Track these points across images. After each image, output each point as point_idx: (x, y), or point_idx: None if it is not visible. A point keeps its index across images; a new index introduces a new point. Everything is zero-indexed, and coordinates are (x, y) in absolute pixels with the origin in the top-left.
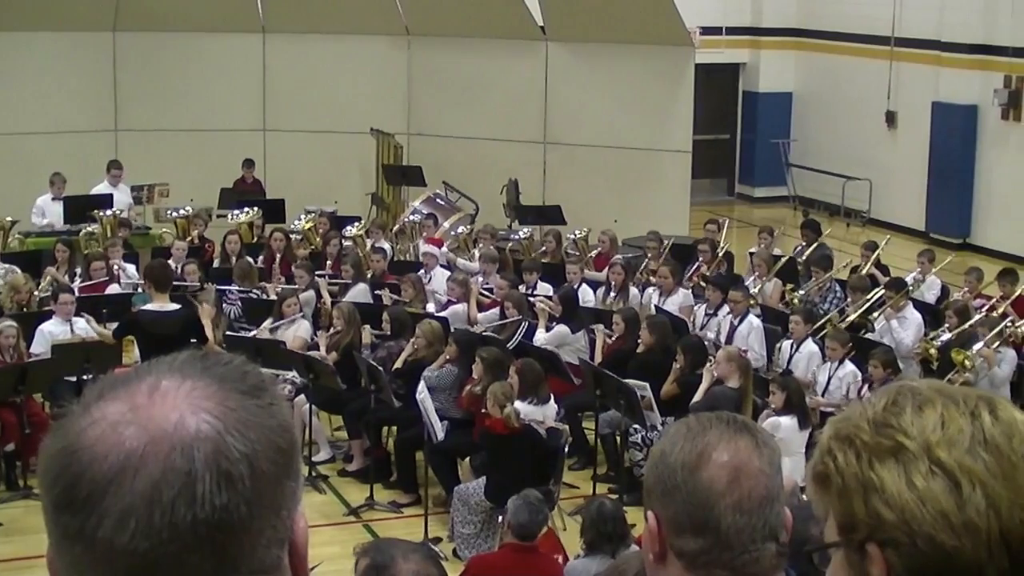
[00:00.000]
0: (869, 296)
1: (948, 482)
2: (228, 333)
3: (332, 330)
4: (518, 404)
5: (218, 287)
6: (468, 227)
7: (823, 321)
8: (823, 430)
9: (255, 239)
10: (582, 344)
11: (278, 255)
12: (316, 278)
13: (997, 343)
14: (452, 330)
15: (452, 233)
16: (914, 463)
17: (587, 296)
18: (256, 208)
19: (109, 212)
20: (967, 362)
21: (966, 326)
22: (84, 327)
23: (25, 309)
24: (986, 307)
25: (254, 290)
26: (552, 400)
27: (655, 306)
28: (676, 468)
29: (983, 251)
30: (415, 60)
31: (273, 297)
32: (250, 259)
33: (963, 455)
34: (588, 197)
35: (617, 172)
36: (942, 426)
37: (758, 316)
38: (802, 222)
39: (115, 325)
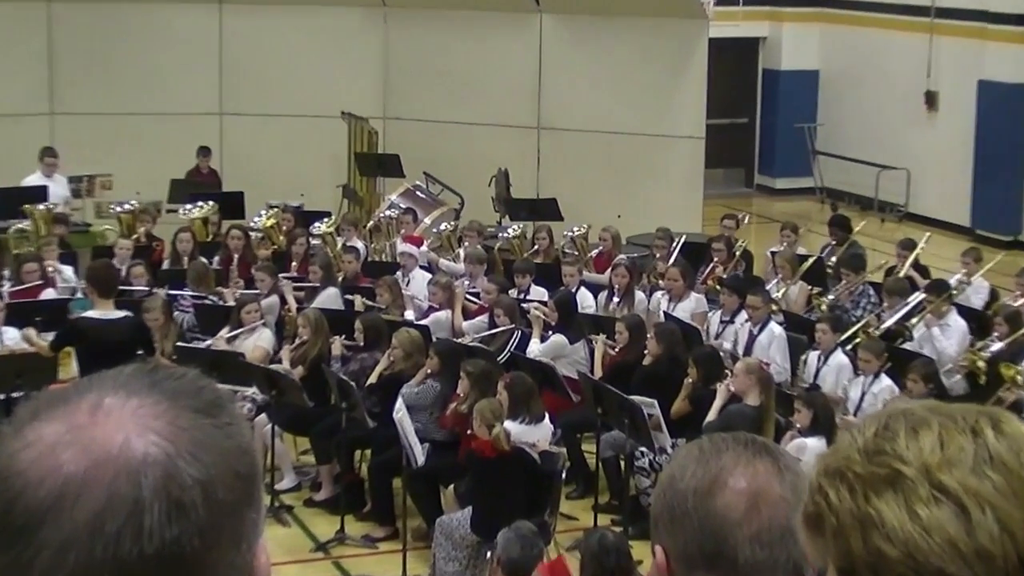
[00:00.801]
0: (907, 301)
1: (954, 507)
2: (180, 344)
3: (298, 340)
4: (508, 424)
5: (168, 292)
6: (452, 223)
7: (855, 329)
8: (811, 466)
9: (210, 237)
10: (581, 356)
11: (236, 256)
12: (280, 282)
13: None
14: (434, 340)
15: (434, 230)
16: (914, 491)
17: (587, 301)
18: (211, 202)
19: (43, 206)
20: (1019, 378)
21: (1018, 335)
22: (15, 337)
23: None
24: None
25: (209, 295)
26: (547, 419)
27: (664, 312)
28: (687, 495)
29: None
30: (392, 35)
31: (231, 303)
32: (205, 260)
33: (967, 476)
34: (587, 189)
35: (620, 161)
36: (941, 447)
37: (780, 324)
38: (830, 217)
39: (52, 335)
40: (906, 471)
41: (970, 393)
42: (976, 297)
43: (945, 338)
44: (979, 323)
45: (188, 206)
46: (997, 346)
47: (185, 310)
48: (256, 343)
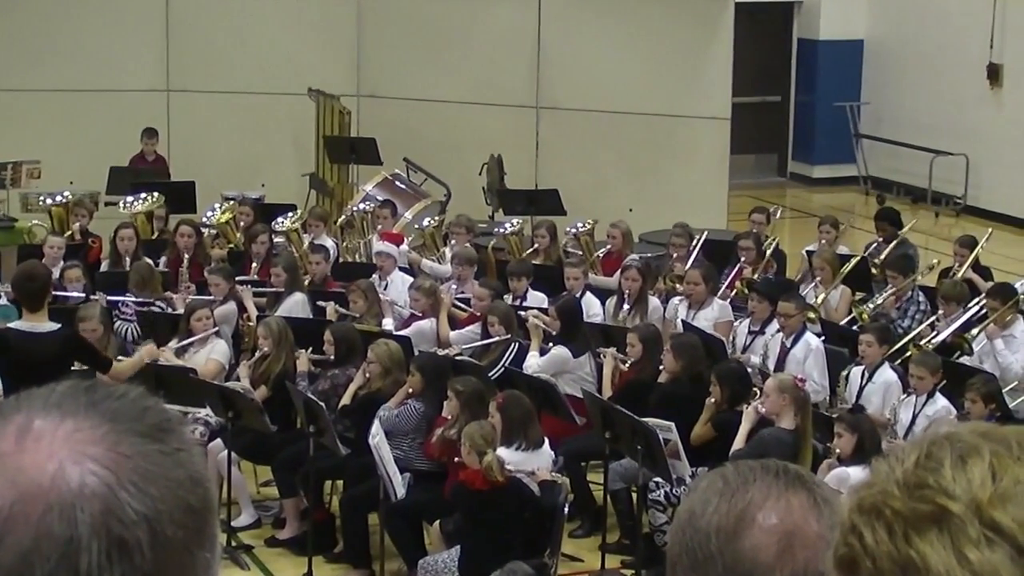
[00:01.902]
0: (965, 308)
1: (1009, 549)
2: (121, 358)
3: (258, 354)
4: (502, 451)
5: (108, 297)
6: (437, 218)
7: (905, 342)
8: (843, 501)
9: (156, 234)
10: (587, 371)
11: (187, 256)
12: (237, 286)
13: None
14: (416, 354)
15: (416, 226)
16: (963, 530)
17: (593, 309)
18: (157, 194)
19: None
20: None
21: None
22: None
23: None
24: None
25: (156, 301)
26: (547, 445)
27: (682, 321)
28: (710, 535)
29: None
30: (367, 1)
31: (180, 311)
32: (149, 261)
33: None
34: (594, 179)
35: (632, 146)
36: (993, 479)
37: (818, 335)
38: (876, 211)
39: None
40: (953, 507)
41: None
42: None
43: (1011, 351)
44: None
45: (130, 198)
46: None
47: (127, 319)
48: (209, 357)
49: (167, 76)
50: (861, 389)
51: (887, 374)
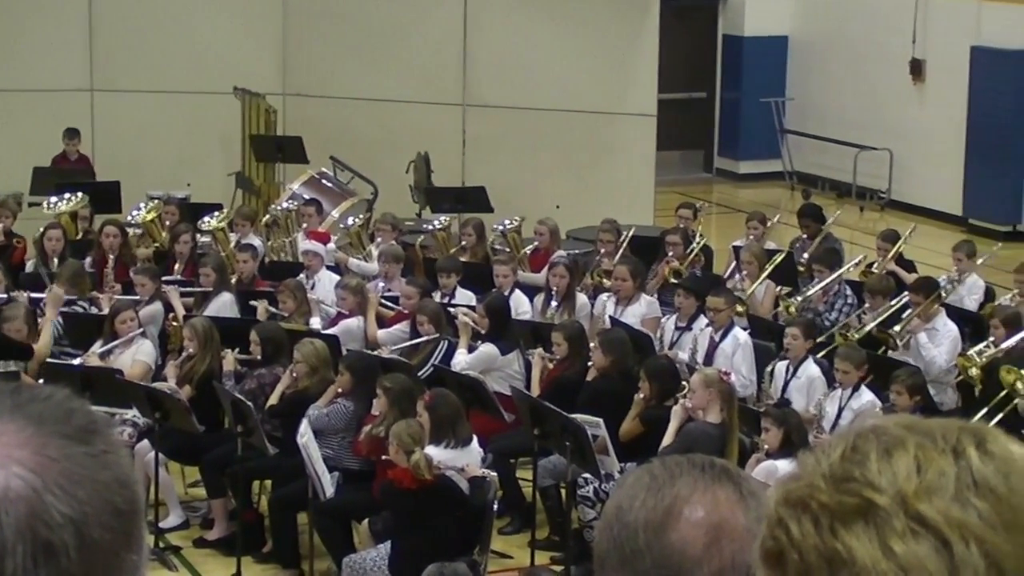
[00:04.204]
0: (891, 302)
1: (934, 541)
2: (47, 360)
3: (184, 354)
4: (430, 449)
5: (30, 295)
6: (363, 216)
7: (831, 332)
8: (770, 495)
9: (80, 235)
10: (515, 369)
11: (112, 256)
12: (163, 286)
13: None
14: (344, 353)
15: (342, 225)
16: (888, 523)
17: (522, 306)
18: (82, 194)
19: None
20: (1020, 384)
21: (1017, 339)
22: None
23: None
24: None
25: (79, 300)
26: (476, 443)
27: (610, 318)
28: (638, 529)
29: None
30: None
31: (107, 310)
32: (74, 261)
33: (949, 505)
34: (521, 176)
35: (559, 143)
36: (918, 471)
37: (745, 329)
38: (801, 206)
39: None
40: (879, 500)
41: (963, 407)
42: (969, 297)
43: (934, 344)
44: (973, 327)
45: (54, 199)
46: (993, 352)
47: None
48: (135, 358)
49: (91, 75)
50: (786, 384)
51: (811, 369)
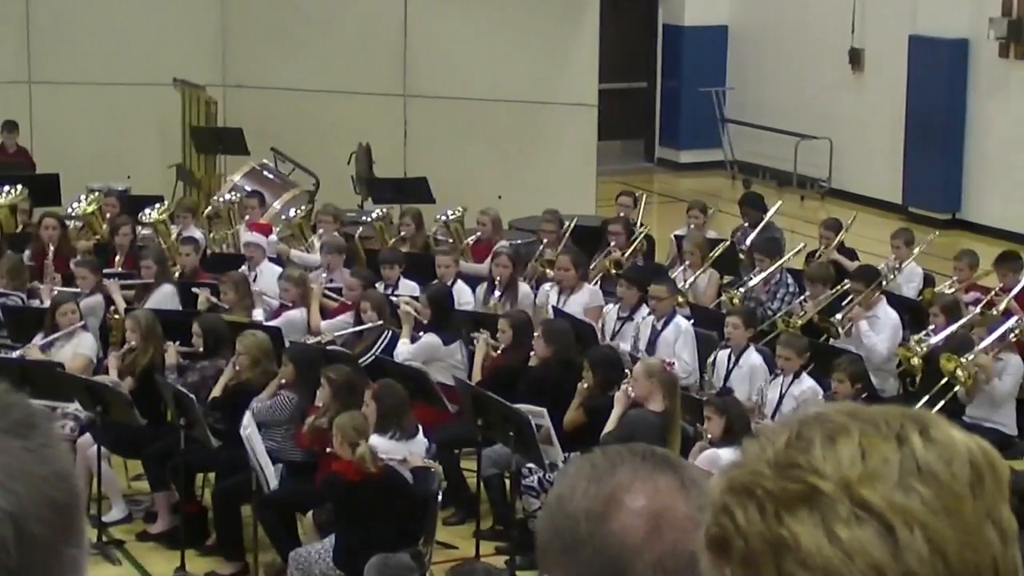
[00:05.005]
0: (831, 290)
1: (878, 527)
2: None
3: (125, 347)
4: (375, 439)
5: None
6: (305, 208)
7: (773, 320)
8: (714, 482)
9: (20, 227)
10: (458, 359)
11: (51, 248)
12: (104, 278)
13: (997, 349)
14: (287, 344)
15: (284, 216)
16: (833, 509)
17: (465, 296)
18: (20, 186)
19: None
20: (960, 372)
21: (956, 327)
22: None
23: None
24: (982, 302)
25: (14, 293)
26: (420, 433)
27: (553, 307)
28: (578, 518)
29: (977, 229)
30: None
31: (47, 303)
32: (13, 254)
33: (892, 491)
34: (462, 166)
35: (500, 134)
36: (862, 458)
37: (687, 318)
38: (742, 195)
39: None
40: (823, 486)
41: (904, 394)
42: (909, 285)
43: (875, 332)
44: (913, 314)
45: None
46: (933, 340)
47: None
48: (76, 351)
49: (29, 67)
50: (728, 372)
51: (753, 357)
